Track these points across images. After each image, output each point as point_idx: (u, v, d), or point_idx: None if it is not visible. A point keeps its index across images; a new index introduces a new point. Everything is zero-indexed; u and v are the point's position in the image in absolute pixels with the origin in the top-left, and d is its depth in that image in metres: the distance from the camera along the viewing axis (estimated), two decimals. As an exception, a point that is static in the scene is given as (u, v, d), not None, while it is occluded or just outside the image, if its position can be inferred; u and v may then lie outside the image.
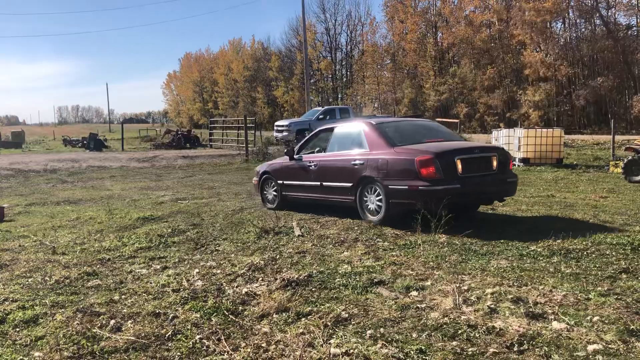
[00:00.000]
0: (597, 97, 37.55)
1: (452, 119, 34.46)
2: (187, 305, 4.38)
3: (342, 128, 8.60)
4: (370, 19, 61.13)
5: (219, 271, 5.39)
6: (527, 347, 3.34)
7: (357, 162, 7.59)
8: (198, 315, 4.17)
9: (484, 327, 3.65)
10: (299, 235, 6.80)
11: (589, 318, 3.72)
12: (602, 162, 16.19)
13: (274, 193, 9.36)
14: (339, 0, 77.41)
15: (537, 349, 3.30)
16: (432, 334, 3.62)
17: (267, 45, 71.12)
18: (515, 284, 4.56)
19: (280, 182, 9.16)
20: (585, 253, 5.42)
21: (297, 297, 4.48)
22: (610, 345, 3.29)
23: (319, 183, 8.29)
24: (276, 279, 4.94)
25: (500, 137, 16.87)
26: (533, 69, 37.44)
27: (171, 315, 4.20)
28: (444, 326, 3.73)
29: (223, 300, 4.48)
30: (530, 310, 3.91)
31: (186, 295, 4.63)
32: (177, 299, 4.56)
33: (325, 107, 27.60)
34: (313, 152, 8.98)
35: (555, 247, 5.66)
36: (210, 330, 3.87)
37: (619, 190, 10.73)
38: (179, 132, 34.41)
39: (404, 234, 6.68)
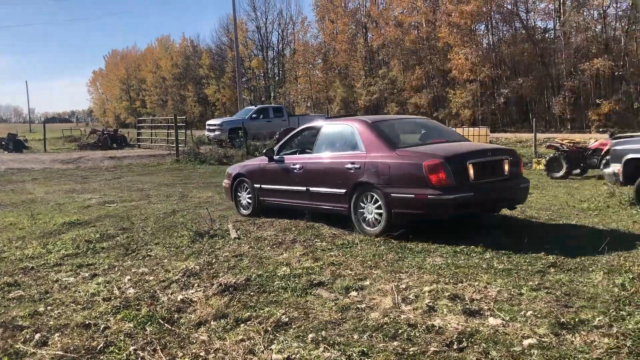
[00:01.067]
0: (519, 97, 39.33)
1: (383, 118, 35.04)
2: (119, 315, 4.18)
3: (331, 126, 7.73)
4: (302, 18, 61.20)
5: (152, 277, 5.19)
6: (466, 345, 3.39)
7: (351, 165, 6.73)
8: (131, 325, 3.98)
9: (424, 326, 3.69)
10: (235, 238, 6.67)
11: (522, 313, 3.83)
12: (526, 160, 16.88)
13: (249, 198, 8.44)
14: (270, -2, 77.06)
15: (475, 346, 3.36)
16: (374, 334, 3.62)
17: (197, 43, 69.72)
18: (451, 281, 4.64)
19: (257, 186, 8.22)
20: (515, 249, 5.61)
21: (235, 303, 4.37)
22: (543, 339, 3.40)
23: (304, 188, 7.41)
24: (213, 284, 4.81)
25: (430, 136, 17.31)
26: (459, 70, 38.68)
27: (102, 326, 3.99)
28: (385, 326, 3.74)
29: (157, 308, 4.30)
30: (467, 307, 3.99)
31: (118, 304, 4.42)
32: (108, 309, 4.34)
33: (259, 106, 27.39)
34: (296, 153, 8.07)
35: (487, 243, 5.82)
36: (145, 341, 3.71)
37: (542, 187, 11.23)
38: (105, 132, 33.11)
39: (342, 234, 6.69)
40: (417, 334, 3.59)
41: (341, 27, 48.08)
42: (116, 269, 5.62)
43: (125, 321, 4.06)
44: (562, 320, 3.65)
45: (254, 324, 3.89)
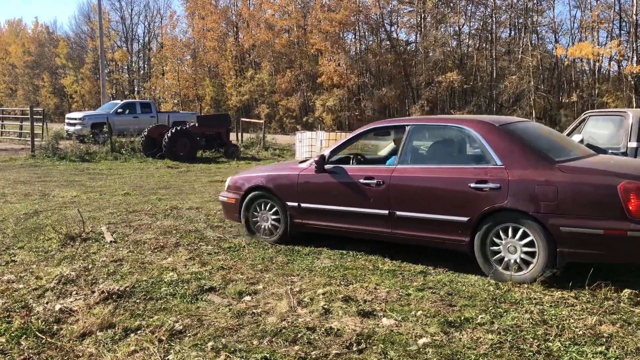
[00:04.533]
0: (383, 105, 41.37)
1: (255, 119, 34.99)
2: (-13, 329, 3.74)
3: (428, 128, 5.93)
4: (170, 12, 59.39)
5: (21, 285, 4.70)
6: (365, 346, 3.48)
7: (482, 185, 4.89)
8: (3, 340, 3.58)
9: (322, 329, 3.73)
10: (111, 242, 6.26)
11: (413, 313, 4.02)
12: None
13: (275, 220, 6.32)
14: (136, -11, 73.58)
15: (374, 347, 3.47)
16: (273, 339, 3.59)
17: (53, 30, 64.74)
18: (342, 283, 4.75)
19: (292, 204, 6.10)
20: (399, 248, 5.85)
21: (121, 311, 4.10)
22: (435, 337, 3.60)
23: (386, 212, 5.47)
24: (93, 292, 4.47)
25: (305, 139, 17.61)
26: (327, 76, 39.83)
27: (-33, 343, 3.55)
28: (284, 330, 3.73)
29: (33, 320, 3.91)
30: (361, 308, 4.10)
31: (-17, 317, 3.95)
32: (-29, 323, 3.86)
33: (125, 101, 26.02)
34: (361, 162, 6.43)
35: (371, 245, 6.01)
36: (22, 357, 3.36)
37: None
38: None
39: (227, 237, 6.55)
40: (317, 337, 3.62)
41: (211, 25, 47.32)
42: (-26, 277, 5.02)
43: (-5, 336, 3.64)
44: (450, 319, 3.88)
45: (146, 334, 3.68)
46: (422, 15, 41.22)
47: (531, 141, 5.13)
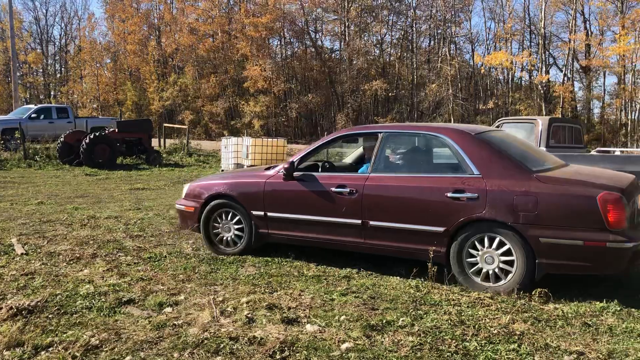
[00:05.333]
0: (309, 111, 41.67)
1: (178, 124, 34.27)
2: None
3: (402, 136, 5.74)
4: (89, 14, 57.20)
5: None
6: (288, 354, 3.47)
7: (459, 194, 4.79)
8: None
9: (246, 338, 3.68)
10: (22, 254, 5.91)
11: (336, 318, 4.05)
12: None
13: (239, 230, 5.99)
14: (51, -12, 70.42)
15: (297, 354, 3.46)
16: (195, 351, 3.51)
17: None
18: (267, 290, 4.71)
19: (259, 213, 5.78)
20: (324, 254, 5.89)
21: (31, 327, 3.88)
22: (358, 342, 3.63)
23: (359, 221, 5.28)
24: (1, 308, 4.20)
25: (230, 145, 17.37)
26: (254, 81, 39.67)
27: None
28: (206, 341, 3.65)
29: None
30: (285, 315, 4.09)
31: None
32: None
33: (40, 105, 24.68)
34: (332, 170, 6.16)
35: (296, 252, 6.02)
36: None
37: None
38: None
39: (147, 247, 6.35)
40: (240, 347, 3.57)
41: (132, 28, 46.01)
42: None
43: None
44: (372, 322, 3.94)
45: (59, 350, 3.49)
46: (346, 24, 41.94)
47: (507, 151, 5.05)
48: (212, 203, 6.05)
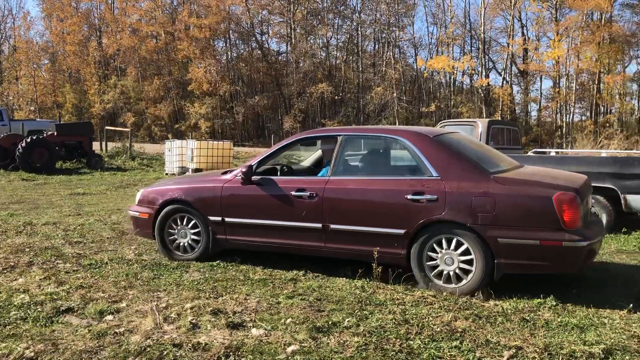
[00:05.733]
0: (255, 114, 41.46)
1: (120, 127, 33.41)
2: None
3: (361, 139, 5.84)
4: (24, 12, 55.01)
5: None
6: (233, 359, 3.43)
7: (418, 196, 4.79)
8: None
9: (190, 344, 3.62)
10: (-49, 264, 5.61)
11: (282, 321, 4.03)
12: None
13: (195, 235, 5.84)
14: (-18, -14, 67.32)
15: (243, 359, 3.43)
16: (137, 359, 3.42)
17: None
18: (212, 295, 4.65)
19: (216, 218, 5.66)
20: (271, 257, 5.87)
21: (-39, 341, 3.68)
22: (304, 344, 3.63)
23: (320, 225, 5.22)
24: None
25: (174, 148, 17.10)
26: (198, 83, 39.16)
27: None
28: (148, 349, 3.56)
29: None
30: (231, 320, 4.04)
31: None
32: None
33: (-30, 109, 23.54)
34: (290, 173, 6.13)
35: (244, 256, 5.96)
36: None
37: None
38: None
39: (87, 253, 6.15)
40: (184, 354, 3.50)
41: (72, 28, 44.52)
42: None
43: None
44: (318, 324, 3.94)
45: (-9, 365, 3.34)
46: (292, 26, 41.98)
47: (465, 152, 5.06)
48: (167, 209, 5.89)
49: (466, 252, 4.69)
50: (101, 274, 5.29)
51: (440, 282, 4.81)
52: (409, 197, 4.82)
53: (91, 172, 17.34)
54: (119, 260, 5.82)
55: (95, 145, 21.30)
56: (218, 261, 5.74)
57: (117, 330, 3.87)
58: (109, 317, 4.15)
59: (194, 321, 4.02)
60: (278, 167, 6.12)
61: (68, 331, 3.88)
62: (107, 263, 5.68)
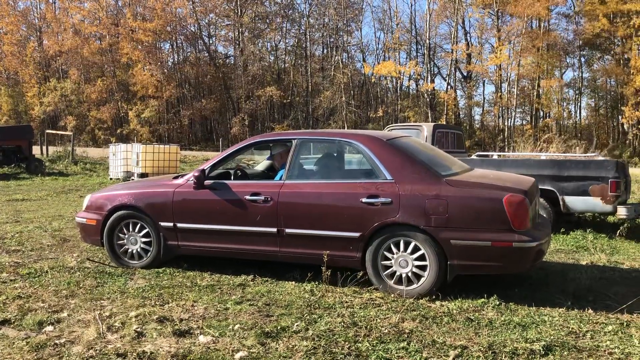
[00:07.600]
0: (203, 117, 40.91)
1: (61, 131, 32.32)
2: None
3: (315, 143, 5.89)
4: (-44, 10, 52.38)
5: None
6: (180, 366, 3.37)
7: (373, 200, 4.81)
8: None
9: (134, 354, 3.53)
10: None
11: (230, 327, 3.99)
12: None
13: (145, 243, 5.70)
14: None
15: (190, 366, 3.37)
16: (79, 371, 3.31)
17: None
18: (157, 303, 4.55)
19: (168, 224, 5.52)
20: (219, 262, 5.79)
21: None
22: (252, 350, 3.60)
23: (275, 230, 5.16)
24: None
25: (119, 152, 16.65)
26: (142, 86, 38.33)
27: None
28: (91, 359, 3.45)
29: None
30: (177, 328, 3.96)
31: None
32: None
33: None
34: (244, 178, 5.94)
35: (191, 263, 5.87)
36: None
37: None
38: None
39: (26, 262, 5.91)
40: (128, 363, 3.41)
41: (9, 27, 42.75)
42: None
43: None
44: (267, 329, 3.92)
45: None
46: (240, 30, 41.70)
47: (418, 156, 5.11)
48: (116, 214, 5.72)
49: (420, 255, 4.73)
50: (41, 283, 5.09)
51: (396, 285, 4.84)
52: (364, 200, 4.83)
53: (31, 177, 16.70)
54: (60, 268, 5.62)
55: (36, 150, 20.54)
56: (164, 268, 5.63)
57: (57, 342, 3.74)
58: (49, 328, 3.99)
59: (139, 330, 3.92)
60: (231, 172, 6.01)
61: (4, 344, 3.72)
62: (47, 271, 5.47)
